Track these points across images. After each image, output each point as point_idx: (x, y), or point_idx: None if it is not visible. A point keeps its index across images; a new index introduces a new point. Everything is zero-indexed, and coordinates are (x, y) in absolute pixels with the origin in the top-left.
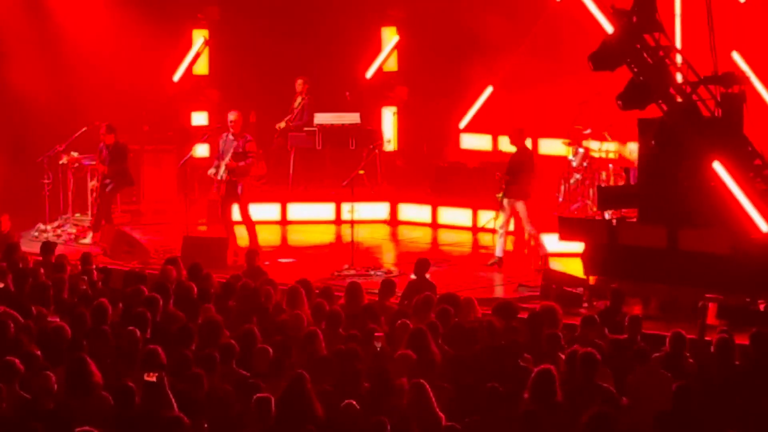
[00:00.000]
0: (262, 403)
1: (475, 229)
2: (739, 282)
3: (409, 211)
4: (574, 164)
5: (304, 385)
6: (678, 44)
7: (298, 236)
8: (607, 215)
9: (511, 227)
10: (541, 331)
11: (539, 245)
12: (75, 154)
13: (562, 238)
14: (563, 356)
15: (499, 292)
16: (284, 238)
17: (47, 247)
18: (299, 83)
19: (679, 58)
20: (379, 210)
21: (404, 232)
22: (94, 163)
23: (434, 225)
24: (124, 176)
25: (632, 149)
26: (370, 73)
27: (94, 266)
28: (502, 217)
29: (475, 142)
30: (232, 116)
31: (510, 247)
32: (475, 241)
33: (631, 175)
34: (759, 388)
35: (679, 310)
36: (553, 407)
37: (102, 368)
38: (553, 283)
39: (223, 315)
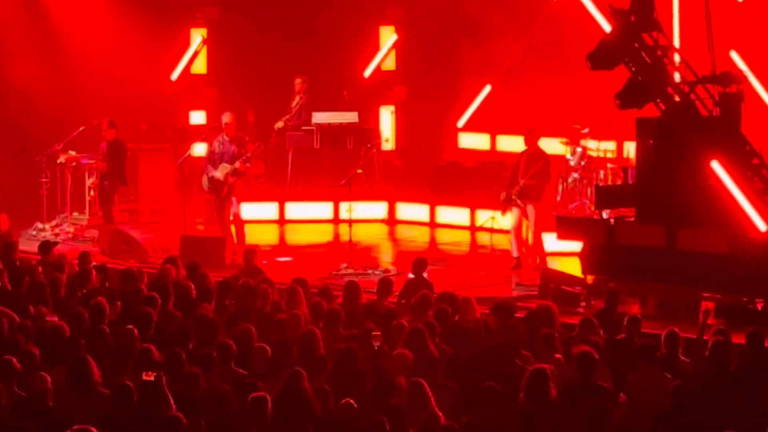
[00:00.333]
0: (258, 402)
1: (473, 229)
2: (737, 281)
3: (407, 211)
4: (572, 163)
5: (301, 383)
6: (676, 43)
7: (296, 235)
8: (605, 214)
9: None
10: (539, 331)
11: (539, 245)
12: (73, 153)
13: (560, 237)
14: (559, 356)
15: (497, 291)
16: (282, 237)
17: (46, 246)
18: (297, 82)
19: (677, 58)
20: (377, 209)
21: (402, 231)
22: (92, 162)
23: (432, 224)
24: (119, 175)
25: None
26: (368, 73)
27: (92, 264)
28: (512, 217)
29: (473, 141)
30: (226, 118)
31: (509, 246)
32: (473, 241)
33: (629, 175)
34: (755, 388)
35: (676, 309)
36: (549, 406)
37: (100, 367)
38: (551, 283)
39: (221, 314)
